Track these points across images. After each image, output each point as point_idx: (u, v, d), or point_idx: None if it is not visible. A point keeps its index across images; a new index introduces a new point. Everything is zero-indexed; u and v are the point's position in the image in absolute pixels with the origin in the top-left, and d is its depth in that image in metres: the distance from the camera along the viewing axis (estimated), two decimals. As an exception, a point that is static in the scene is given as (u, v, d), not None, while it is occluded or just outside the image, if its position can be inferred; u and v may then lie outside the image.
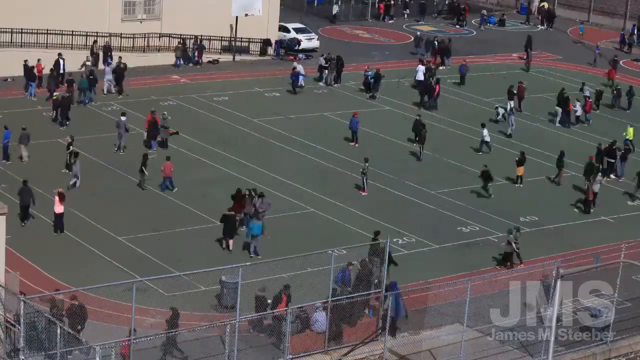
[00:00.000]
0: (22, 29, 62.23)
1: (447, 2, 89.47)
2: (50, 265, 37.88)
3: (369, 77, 62.94)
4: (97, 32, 64.18)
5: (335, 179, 48.63)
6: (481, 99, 63.12)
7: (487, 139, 53.33)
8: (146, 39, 66.30)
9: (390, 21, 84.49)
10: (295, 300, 31.79)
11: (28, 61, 58.31)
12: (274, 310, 31.12)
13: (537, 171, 51.30)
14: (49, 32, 62.81)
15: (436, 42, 71.38)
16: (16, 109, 55.71)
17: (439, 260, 40.95)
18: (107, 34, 64.61)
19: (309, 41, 72.71)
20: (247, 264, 33.08)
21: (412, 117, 56.10)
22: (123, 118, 51.00)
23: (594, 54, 73.28)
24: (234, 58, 68.50)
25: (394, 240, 40.79)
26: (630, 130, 54.92)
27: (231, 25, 68.10)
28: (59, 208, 40.94)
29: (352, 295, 31.72)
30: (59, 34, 63.17)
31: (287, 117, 56.24)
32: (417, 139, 53.07)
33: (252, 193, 42.70)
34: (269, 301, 32.20)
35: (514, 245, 40.31)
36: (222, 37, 68.56)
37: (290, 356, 29.77)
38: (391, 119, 58.37)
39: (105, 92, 58.90)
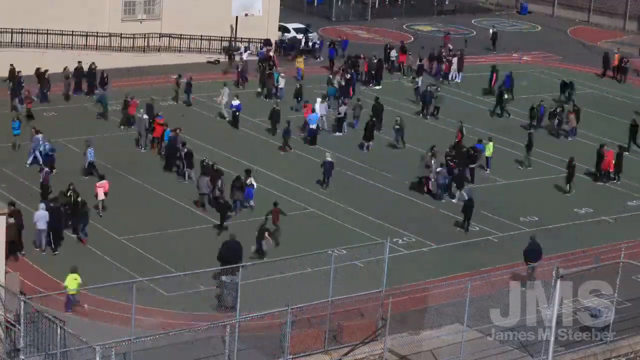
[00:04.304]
0: (22, 29, 62.25)
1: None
2: (50, 266, 37.88)
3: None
4: (97, 32, 64.20)
5: (337, 179, 48.68)
6: (479, 99, 63.33)
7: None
8: (146, 39, 66.33)
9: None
10: (296, 300, 31.74)
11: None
12: (273, 310, 31.09)
13: (537, 171, 51.35)
14: (49, 32, 62.83)
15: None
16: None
17: (439, 260, 40.96)
18: (107, 34, 64.64)
19: (309, 41, 72.65)
20: (247, 264, 33.07)
21: (411, 118, 56.04)
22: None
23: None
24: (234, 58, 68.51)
25: (394, 240, 40.78)
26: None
27: (231, 26, 68.07)
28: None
29: (352, 295, 31.72)
30: (59, 34, 63.18)
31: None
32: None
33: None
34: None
35: None
36: (222, 37, 68.56)
37: (290, 356, 29.76)
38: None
39: None
